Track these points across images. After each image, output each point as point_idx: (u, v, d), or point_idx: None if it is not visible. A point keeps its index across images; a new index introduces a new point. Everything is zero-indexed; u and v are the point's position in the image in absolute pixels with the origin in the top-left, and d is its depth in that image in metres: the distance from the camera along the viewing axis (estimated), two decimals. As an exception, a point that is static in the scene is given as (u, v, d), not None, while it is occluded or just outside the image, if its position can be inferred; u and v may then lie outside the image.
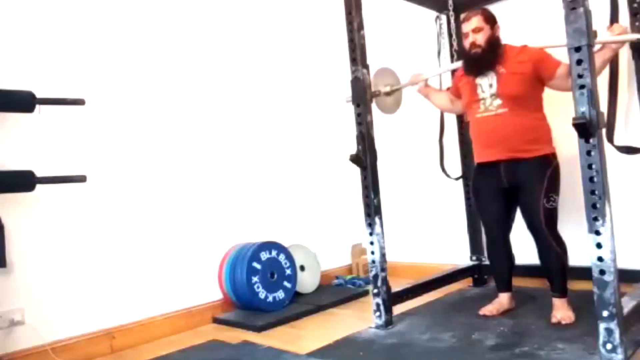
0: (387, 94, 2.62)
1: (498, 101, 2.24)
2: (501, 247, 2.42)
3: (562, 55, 1.84)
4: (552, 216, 2.21)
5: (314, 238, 3.45)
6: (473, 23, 2.26)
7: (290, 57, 3.50)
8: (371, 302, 2.39)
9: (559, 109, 2.20)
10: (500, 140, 2.25)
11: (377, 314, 2.35)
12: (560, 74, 2.13)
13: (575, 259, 2.25)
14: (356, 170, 2.41)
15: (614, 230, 1.67)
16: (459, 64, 2.49)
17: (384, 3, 3.44)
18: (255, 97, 3.25)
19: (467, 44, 2.31)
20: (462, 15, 2.43)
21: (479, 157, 2.40)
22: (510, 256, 2.43)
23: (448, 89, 2.74)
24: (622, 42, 2.11)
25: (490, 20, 2.28)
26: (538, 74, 2.21)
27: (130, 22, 2.68)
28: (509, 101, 2.22)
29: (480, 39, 2.25)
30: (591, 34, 1.65)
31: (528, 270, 2.66)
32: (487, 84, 2.27)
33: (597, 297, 1.67)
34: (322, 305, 2.89)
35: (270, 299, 2.85)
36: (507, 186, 2.30)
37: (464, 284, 2.99)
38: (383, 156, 2.52)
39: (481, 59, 2.26)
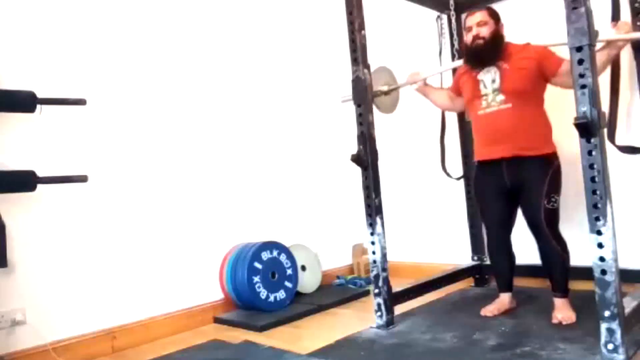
0: (385, 93, 2.60)
1: (501, 97, 2.23)
2: (502, 247, 2.42)
3: (565, 53, 1.83)
4: (553, 216, 2.21)
5: (315, 238, 3.45)
6: (477, 17, 2.27)
7: (291, 58, 3.50)
8: (372, 302, 2.39)
9: (560, 107, 2.19)
10: (503, 137, 2.23)
11: (379, 313, 2.35)
12: (564, 71, 2.11)
13: (576, 259, 2.25)
14: (357, 170, 2.41)
15: (616, 230, 1.67)
16: (458, 62, 2.47)
17: (384, 3, 3.44)
18: (255, 97, 3.26)
19: (470, 37, 2.30)
20: (464, 15, 2.43)
21: (480, 154, 2.39)
22: (511, 256, 2.43)
23: (448, 88, 2.73)
24: (627, 41, 2.10)
25: (495, 16, 2.29)
26: (541, 70, 2.20)
27: (131, 23, 2.68)
28: (512, 96, 2.21)
29: (485, 31, 2.25)
30: (593, 34, 1.66)
31: (529, 270, 2.65)
32: (489, 79, 2.27)
33: (598, 297, 1.67)
34: (323, 305, 2.89)
35: (271, 298, 2.85)
36: (509, 186, 2.29)
37: (465, 283, 2.99)
38: (384, 156, 2.52)
39: (484, 51, 2.25)
